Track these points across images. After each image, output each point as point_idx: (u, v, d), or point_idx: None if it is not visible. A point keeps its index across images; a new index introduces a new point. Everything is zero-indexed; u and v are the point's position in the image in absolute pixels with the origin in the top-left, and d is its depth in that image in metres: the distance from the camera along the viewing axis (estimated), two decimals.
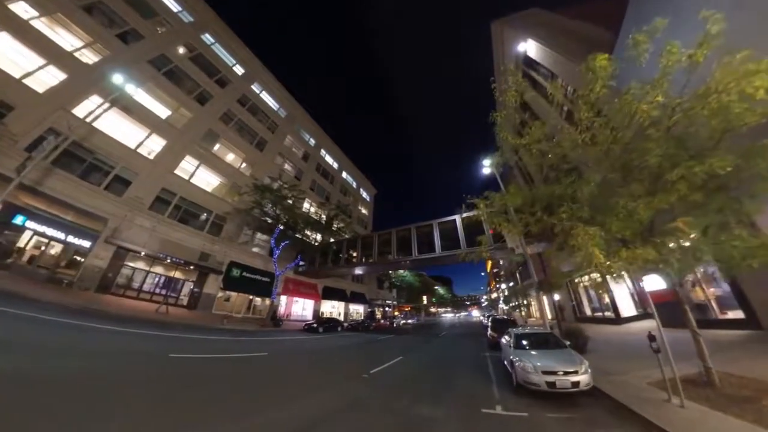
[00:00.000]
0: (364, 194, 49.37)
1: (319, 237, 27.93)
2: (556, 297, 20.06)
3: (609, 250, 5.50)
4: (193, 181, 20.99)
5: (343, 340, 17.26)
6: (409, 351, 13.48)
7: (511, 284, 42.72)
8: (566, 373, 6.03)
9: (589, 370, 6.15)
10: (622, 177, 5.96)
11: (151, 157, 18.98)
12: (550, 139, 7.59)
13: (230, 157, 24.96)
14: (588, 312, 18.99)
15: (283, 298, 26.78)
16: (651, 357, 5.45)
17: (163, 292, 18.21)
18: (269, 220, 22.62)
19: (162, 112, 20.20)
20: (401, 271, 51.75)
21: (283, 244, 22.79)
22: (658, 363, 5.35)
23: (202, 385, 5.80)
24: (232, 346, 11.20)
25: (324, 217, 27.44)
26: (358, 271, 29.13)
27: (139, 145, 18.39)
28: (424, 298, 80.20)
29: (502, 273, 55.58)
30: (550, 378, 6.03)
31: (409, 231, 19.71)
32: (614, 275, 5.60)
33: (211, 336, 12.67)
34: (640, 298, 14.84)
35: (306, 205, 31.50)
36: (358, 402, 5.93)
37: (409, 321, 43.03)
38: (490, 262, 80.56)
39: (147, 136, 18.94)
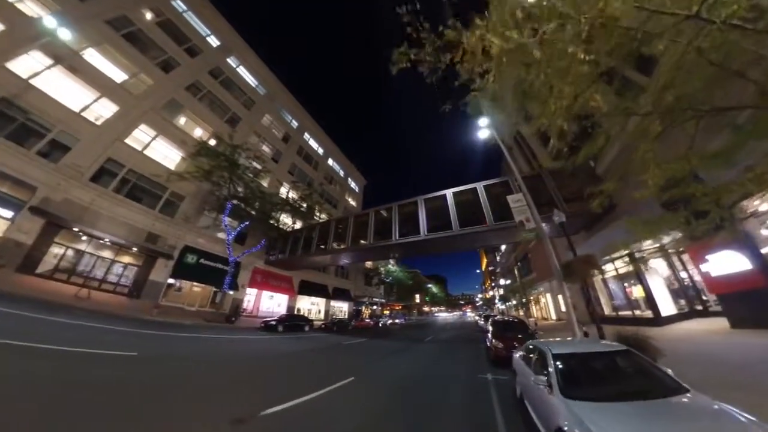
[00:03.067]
0: (353, 184, 46.89)
1: (289, 220, 25.18)
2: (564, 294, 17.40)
3: None
4: (147, 153, 18.57)
5: (297, 343, 14.26)
6: (372, 365, 9.73)
7: (509, 282, 40.42)
8: None
9: None
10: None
11: (99, 122, 16.66)
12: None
13: (198, 132, 22.63)
14: (607, 311, 15.16)
15: (253, 292, 24.30)
16: None
17: (99, 276, 15.77)
18: (236, 201, 20.04)
19: (117, 75, 17.98)
20: (390, 267, 49.35)
21: (242, 225, 20.19)
22: None
23: None
24: (106, 337, 8.40)
25: (295, 197, 24.85)
26: (343, 261, 26.79)
27: (84, 109, 16.15)
28: (417, 296, 77.69)
29: (498, 270, 53.26)
30: None
31: (390, 211, 17.10)
32: None
33: (99, 324, 9.96)
34: (706, 286, 10.06)
35: (283, 190, 29.10)
36: None
37: (397, 321, 40.35)
38: (485, 260, 78.43)
39: (95, 100, 16.71)
